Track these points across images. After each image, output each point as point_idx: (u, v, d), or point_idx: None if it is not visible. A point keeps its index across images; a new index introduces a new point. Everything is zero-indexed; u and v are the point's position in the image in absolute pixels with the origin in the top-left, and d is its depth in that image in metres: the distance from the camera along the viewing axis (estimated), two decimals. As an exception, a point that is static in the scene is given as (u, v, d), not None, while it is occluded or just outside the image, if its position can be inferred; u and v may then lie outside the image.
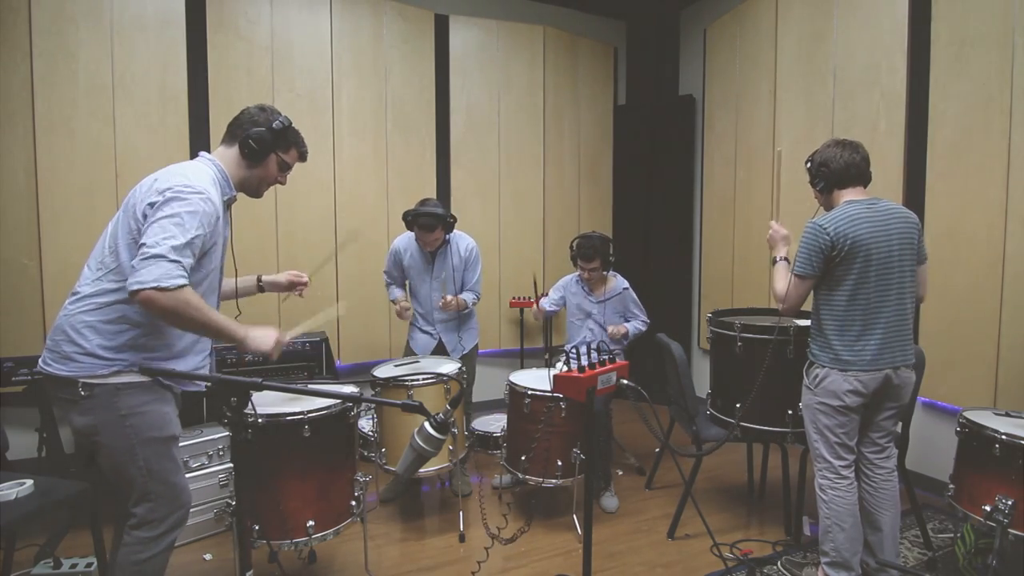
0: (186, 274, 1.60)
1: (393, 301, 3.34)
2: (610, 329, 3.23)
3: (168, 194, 1.64)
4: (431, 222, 3.02)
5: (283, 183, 1.99)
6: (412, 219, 3.07)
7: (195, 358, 1.86)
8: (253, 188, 1.94)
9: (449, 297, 3.16)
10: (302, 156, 1.99)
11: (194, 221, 1.64)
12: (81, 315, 1.68)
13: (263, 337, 1.80)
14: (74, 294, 1.73)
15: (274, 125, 1.85)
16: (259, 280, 2.25)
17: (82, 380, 1.65)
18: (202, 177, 1.74)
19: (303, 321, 2.13)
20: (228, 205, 1.88)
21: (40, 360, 1.73)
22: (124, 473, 1.72)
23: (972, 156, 2.93)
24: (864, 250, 2.09)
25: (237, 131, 1.86)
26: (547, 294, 3.54)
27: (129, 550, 1.72)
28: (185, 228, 1.62)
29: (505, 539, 2.56)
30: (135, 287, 1.54)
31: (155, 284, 1.54)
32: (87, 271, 1.74)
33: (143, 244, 1.59)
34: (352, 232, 2.52)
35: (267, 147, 1.86)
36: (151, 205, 1.64)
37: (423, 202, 3.12)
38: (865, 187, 2.21)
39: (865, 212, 2.12)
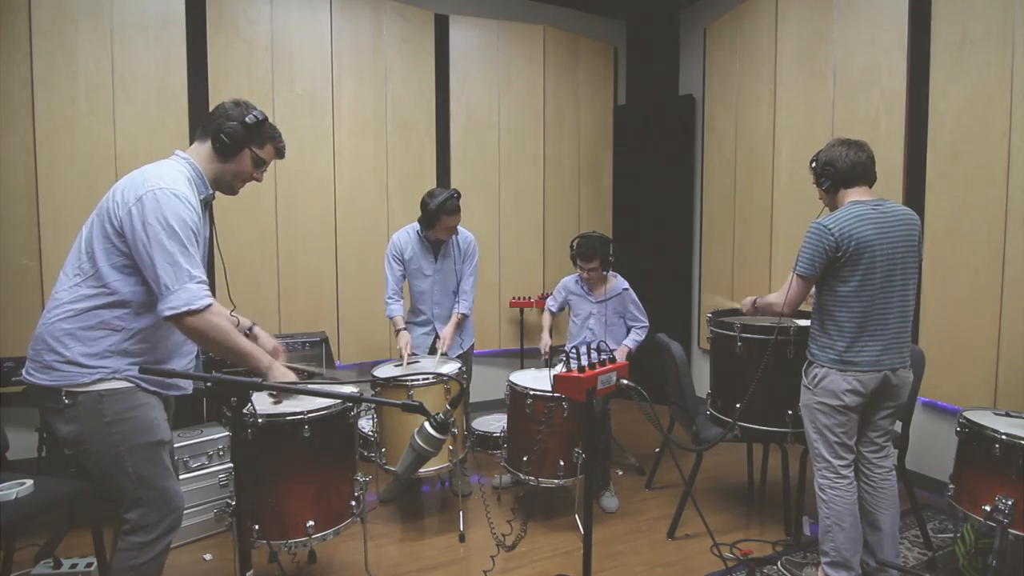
0: (207, 286, 1.65)
1: (391, 319, 3.20)
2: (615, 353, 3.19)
3: (147, 201, 1.62)
4: (456, 204, 3.04)
5: (259, 180, 1.92)
6: (439, 208, 2.99)
7: (180, 361, 1.85)
8: (227, 184, 1.87)
9: (445, 338, 3.13)
10: (279, 152, 1.92)
11: (185, 228, 1.64)
12: (60, 323, 1.67)
13: (283, 375, 1.81)
14: (52, 301, 1.71)
15: (247, 119, 1.78)
16: (250, 329, 2.13)
17: (65, 389, 1.64)
18: (176, 177, 1.70)
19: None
20: (206, 204, 1.83)
21: (23, 370, 1.72)
22: (114, 480, 1.71)
23: (972, 156, 2.93)
24: (869, 251, 2.09)
25: (210, 126, 1.80)
26: (550, 294, 3.53)
27: (124, 555, 1.72)
28: (179, 236, 1.62)
29: (508, 547, 2.55)
30: (167, 313, 1.61)
31: (185, 308, 1.60)
32: (63, 277, 1.72)
33: (155, 268, 1.60)
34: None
35: (240, 142, 1.79)
36: (129, 214, 1.62)
37: (431, 194, 3.06)
38: (870, 187, 2.21)
39: (871, 213, 2.11)
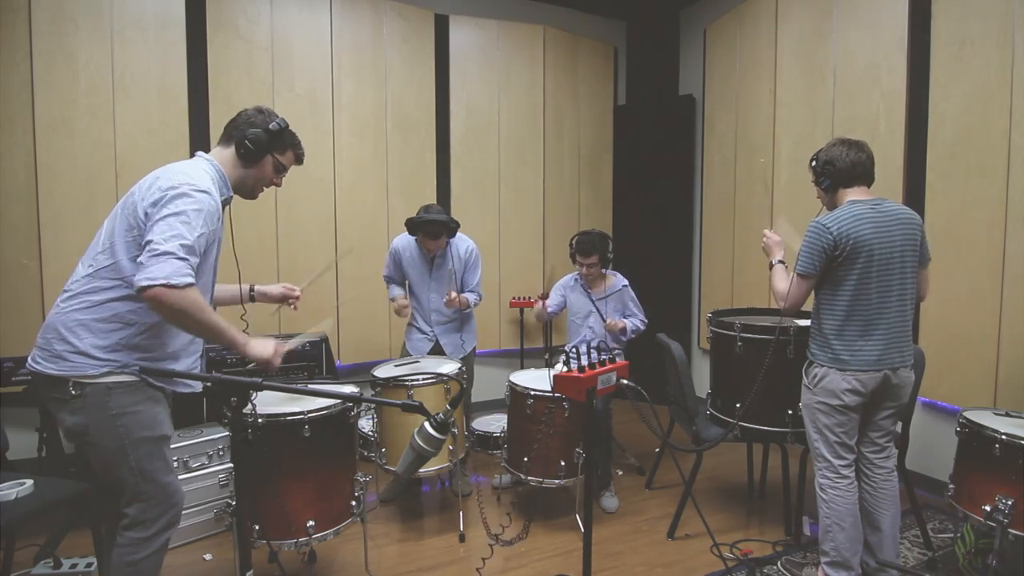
0: (193, 273, 1.61)
1: (392, 299, 3.33)
2: (608, 321, 3.22)
3: (172, 192, 1.64)
4: (437, 230, 3.04)
5: (279, 185, 2.00)
6: (418, 225, 3.06)
7: (188, 359, 1.85)
8: (248, 189, 1.94)
9: (454, 294, 3.15)
10: (299, 159, 2.00)
11: (199, 219, 1.65)
12: (74, 313, 1.67)
13: (263, 345, 1.83)
14: (66, 292, 1.72)
15: (271, 127, 1.86)
16: (251, 289, 2.23)
17: (73, 379, 1.65)
18: (203, 176, 1.75)
19: (300, 333, 2.16)
20: (224, 205, 1.87)
21: (30, 358, 1.71)
22: (115, 473, 1.71)
23: (972, 156, 2.93)
24: (867, 250, 2.09)
25: (234, 132, 1.87)
26: (548, 295, 3.53)
27: (123, 551, 1.72)
28: (191, 226, 1.63)
29: (504, 541, 2.56)
30: (144, 283, 1.53)
31: (165, 281, 1.53)
32: (80, 268, 1.74)
33: (150, 241, 1.58)
34: (349, 248, 2.44)
35: (263, 148, 1.86)
36: (155, 203, 1.64)
37: (426, 208, 3.11)
38: (869, 187, 2.22)
39: (869, 212, 2.12)
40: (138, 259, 1.60)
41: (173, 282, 1.54)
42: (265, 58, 3.85)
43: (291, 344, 2.04)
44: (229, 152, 1.87)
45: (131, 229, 1.67)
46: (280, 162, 1.93)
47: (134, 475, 1.71)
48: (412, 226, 3.10)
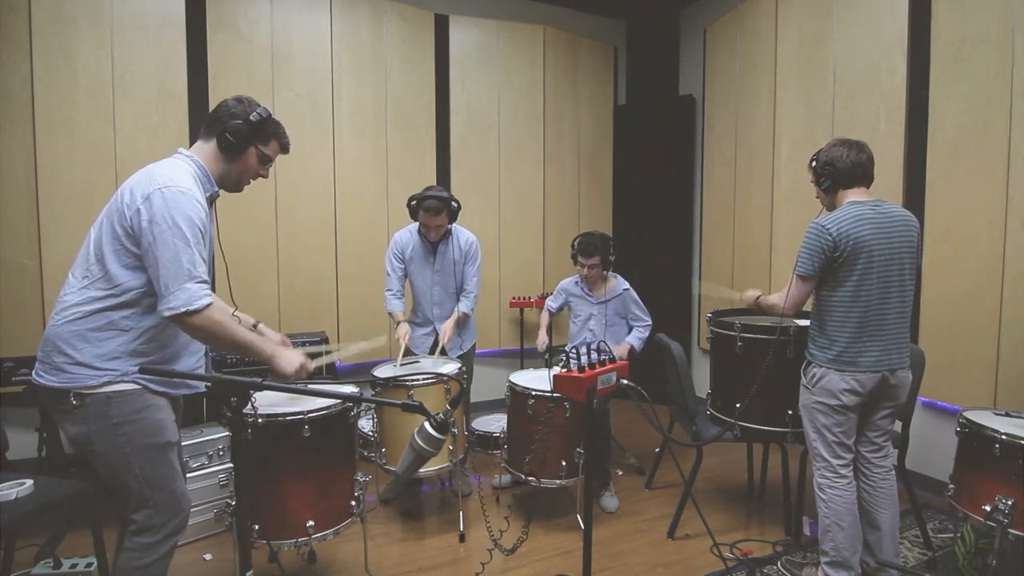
0: (207, 286, 1.65)
1: (390, 314, 3.23)
2: (617, 351, 3.19)
3: (155, 199, 1.61)
4: (437, 205, 3.03)
5: (265, 176, 1.92)
6: (418, 203, 3.06)
7: (189, 359, 1.84)
8: (232, 183, 1.87)
9: (446, 333, 3.12)
10: (284, 148, 1.92)
11: (192, 227, 1.64)
12: (68, 325, 1.67)
13: (289, 359, 1.82)
14: (60, 303, 1.71)
15: (251, 117, 1.78)
16: (255, 326, 2.18)
17: (73, 391, 1.65)
18: (181, 175, 1.70)
19: (334, 351, 2.25)
20: (211, 202, 1.83)
21: (33, 372, 1.72)
22: (121, 481, 1.71)
23: (972, 156, 2.93)
24: (867, 251, 2.09)
25: (214, 124, 1.79)
26: (550, 294, 3.53)
27: (130, 555, 1.72)
28: (186, 237, 1.62)
29: (506, 550, 2.56)
30: (167, 313, 1.61)
31: (184, 308, 1.59)
32: (72, 279, 1.71)
33: (158, 266, 1.60)
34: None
35: (245, 140, 1.79)
36: (138, 213, 1.62)
37: (428, 188, 3.14)
38: (868, 187, 2.22)
39: (869, 213, 2.12)
40: (130, 266, 1.65)
41: (192, 308, 1.60)
42: (265, 58, 3.85)
43: (321, 361, 2.02)
44: (211, 146, 1.80)
45: (118, 238, 1.65)
46: (264, 153, 1.85)
47: (139, 482, 1.71)
48: (414, 206, 3.09)
